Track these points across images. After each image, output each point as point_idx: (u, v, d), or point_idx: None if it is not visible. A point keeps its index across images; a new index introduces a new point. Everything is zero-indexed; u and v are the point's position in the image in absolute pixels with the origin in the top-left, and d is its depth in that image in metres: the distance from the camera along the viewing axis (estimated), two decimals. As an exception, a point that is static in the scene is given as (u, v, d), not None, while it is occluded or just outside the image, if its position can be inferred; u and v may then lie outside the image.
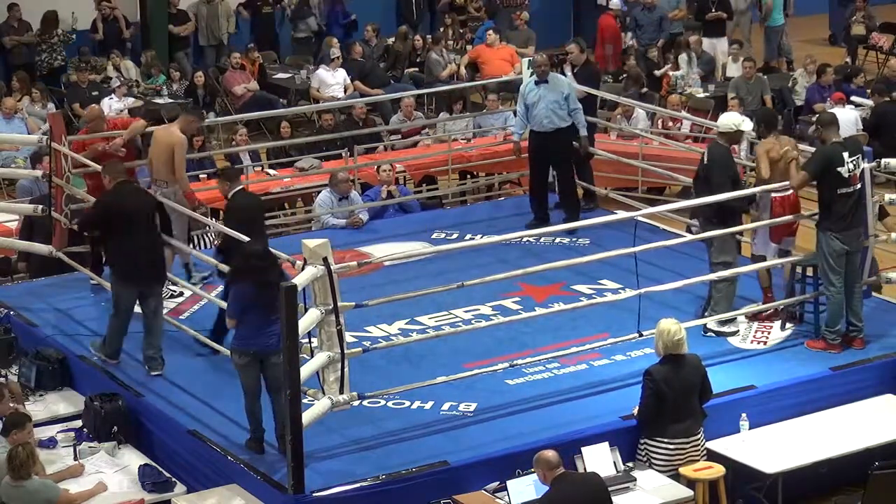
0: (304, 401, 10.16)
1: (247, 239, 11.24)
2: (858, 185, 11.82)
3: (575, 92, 14.76)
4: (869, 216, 12.39)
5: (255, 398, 10.52)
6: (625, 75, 21.17)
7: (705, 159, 12.23)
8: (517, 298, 13.02)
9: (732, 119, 12.47)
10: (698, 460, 10.69)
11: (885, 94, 19.40)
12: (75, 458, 11.02)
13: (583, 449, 10.44)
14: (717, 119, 13.03)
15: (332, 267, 10.21)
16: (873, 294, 12.95)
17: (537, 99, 14.68)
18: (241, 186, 12.69)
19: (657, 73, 22.08)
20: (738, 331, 12.30)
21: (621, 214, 13.13)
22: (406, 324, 12.57)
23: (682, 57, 21.81)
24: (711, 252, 12.21)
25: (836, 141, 11.87)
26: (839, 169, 11.68)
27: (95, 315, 12.98)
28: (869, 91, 20.03)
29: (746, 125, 12.58)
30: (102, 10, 22.77)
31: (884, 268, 13.42)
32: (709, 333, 12.19)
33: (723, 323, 12.24)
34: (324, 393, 10.46)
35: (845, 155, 11.73)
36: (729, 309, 12.23)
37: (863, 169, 11.93)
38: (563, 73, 15.58)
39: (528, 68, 15.99)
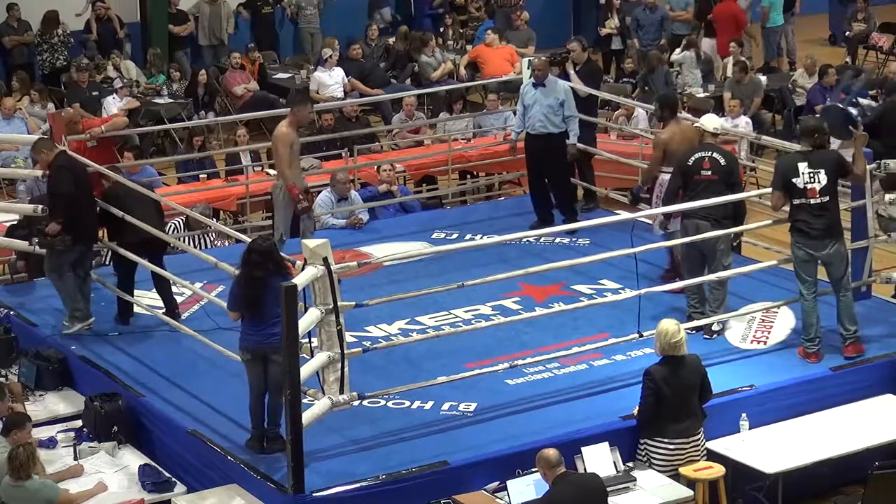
0: (304, 401, 10.16)
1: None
2: (819, 199, 11.55)
3: (572, 98, 14.72)
4: (869, 217, 12.39)
5: (259, 397, 10.53)
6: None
7: (722, 161, 12.15)
8: (517, 298, 13.02)
9: (716, 120, 12.60)
10: (698, 460, 10.69)
11: (893, 93, 19.37)
12: (75, 458, 11.02)
13: (583, 449, 10.44)
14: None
15: (332, 267, 10.21)
16: (873, 294, 12.96)
17: (533, 101, 14.69)
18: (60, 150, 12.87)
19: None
20: (730, 327, 12.30)
21: (624, 215, 13.12)
22: (406, 324, 12.57)
23: (688, 54, 21.81)
24: (718, 254, 12.13)
25: (798, 150, 11.83)
26: (794, 180, 11.57)
27: (96, 314, 12.98)
28: (873, 92, 20.01)
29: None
30: (97, 11, 22.75)
31: (884, 267, 13.44)
32: (714, 336, 12.17)
33: (720, 323, 12.24)
34: (324, 393, 10.46)
35: (801, 166, 11.59)
36: (723, 309, 12.23)
37: (828, 183, 11.62)
38: (566, 72, 15.57)
39: (528, 68, 16.00)
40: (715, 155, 12.22)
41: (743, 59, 21.01)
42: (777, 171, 11.81)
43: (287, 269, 10.54)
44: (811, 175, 11.57)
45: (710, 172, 12.17)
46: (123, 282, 12.94)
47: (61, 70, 21.84)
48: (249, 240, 11.20)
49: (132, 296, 12.89)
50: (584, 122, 15.02)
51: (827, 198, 11.61)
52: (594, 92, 15.58)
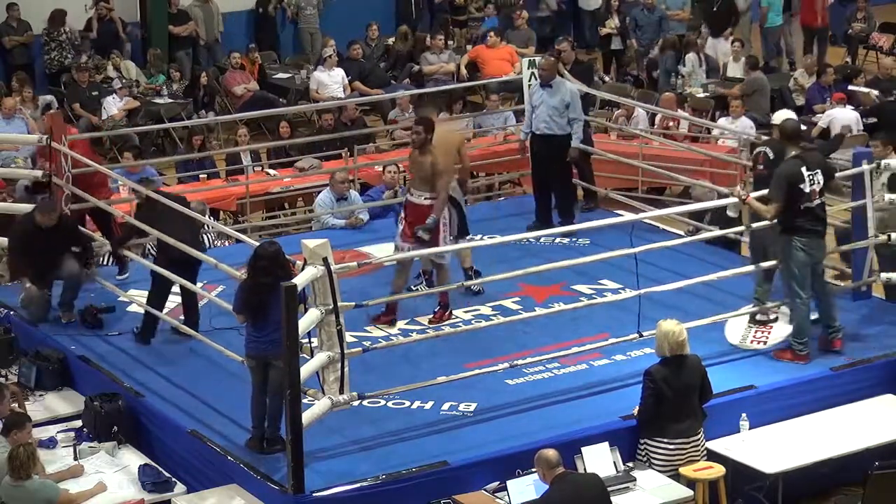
0: (304, 401, 10.16)
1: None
2: (819, 200, 11.56)
3: (578, 101, 14.69)
4: (869, 217, 12.38)
5: (260, 397, 10.53)
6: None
7: (771, 156, 12.09)
8: (517, 298, 13.02)
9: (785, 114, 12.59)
10: (698, 460, 10.69)
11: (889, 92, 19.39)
12: (75, 458, 11.02)
13: (583, 449, 10.44)
14: (717, 119, 13.02)
15: (332, 267, 10.21)
16: (873, 294, 12.95)
17: (539, 102, 14.68)
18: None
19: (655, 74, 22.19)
20: (777, 318, 12.33)
21: (627, 217, 13.12)
22: (406, 324, 12.58)
23: (690, 56, 21.82)
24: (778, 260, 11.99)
25: (794, 155, 11.70)
26: (801, 186, 11.48)
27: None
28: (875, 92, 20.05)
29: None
30: (99, 10, 22.73)
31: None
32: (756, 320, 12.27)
33: (765, 314, 12.32)
34: (324, 393, 10.46)
35: (803, 170, 11.53)
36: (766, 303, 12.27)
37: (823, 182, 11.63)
38: (560, 72, 15.54)
39: (528, 68, 16.00)
40: (766, 150, 12.21)
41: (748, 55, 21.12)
42: (781, 181, 11.52)
43: (294, 273, 10.55)
44: (811, 177, 11.56)
45: (761, 167, 12.19)
46: (155, 300, 12.46)
47: (68, 68, 21.81)
48: (248, 238, 11.22)
49: (161, 312, 12.45)
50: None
51: (823, 197, 11.65)
52: (588, 90, 15.57)
